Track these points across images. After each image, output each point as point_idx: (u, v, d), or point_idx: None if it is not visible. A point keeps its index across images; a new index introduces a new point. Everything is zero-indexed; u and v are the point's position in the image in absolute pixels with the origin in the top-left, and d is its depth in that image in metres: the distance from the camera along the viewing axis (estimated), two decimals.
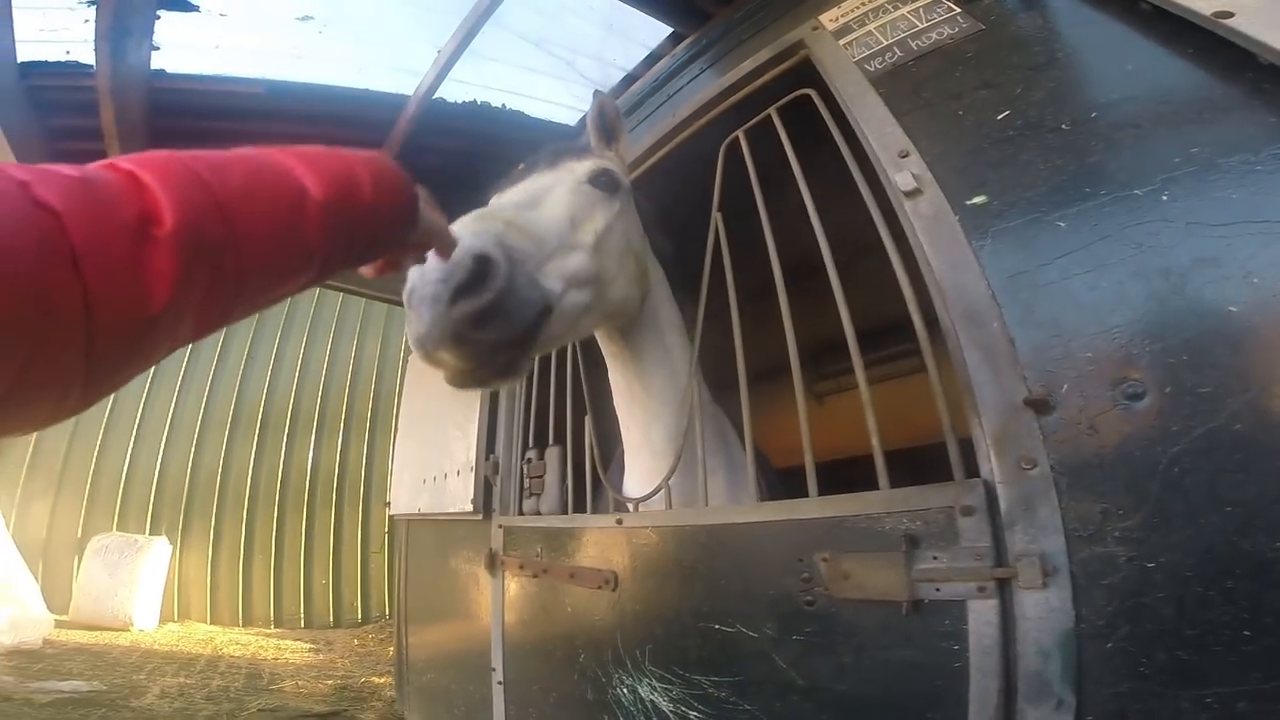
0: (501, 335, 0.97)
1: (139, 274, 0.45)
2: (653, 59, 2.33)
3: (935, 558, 0.93)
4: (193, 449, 7.37)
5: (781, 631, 1.11)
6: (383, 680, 4.59)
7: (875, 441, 1.09)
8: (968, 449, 0.97)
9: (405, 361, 4.07)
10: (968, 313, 0.98)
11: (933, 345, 1.05)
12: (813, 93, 1.45)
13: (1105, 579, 0.79)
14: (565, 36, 2.44)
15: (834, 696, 1.02)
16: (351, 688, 4.48)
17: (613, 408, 1.61)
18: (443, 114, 2.62)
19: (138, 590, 6.33)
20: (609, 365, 1.54)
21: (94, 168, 0.48)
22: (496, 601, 2.02)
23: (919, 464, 1.10)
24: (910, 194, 1.11)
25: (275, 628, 6.97)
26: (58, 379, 0.42)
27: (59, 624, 5.85)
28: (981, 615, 0.87)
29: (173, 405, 7.46)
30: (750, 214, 1.47)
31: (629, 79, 2.43)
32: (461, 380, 1.02)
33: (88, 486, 7.04)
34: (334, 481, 7.71)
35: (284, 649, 5.90)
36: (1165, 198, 0.85)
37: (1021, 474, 0.88)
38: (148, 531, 6.95)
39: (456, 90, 2.58)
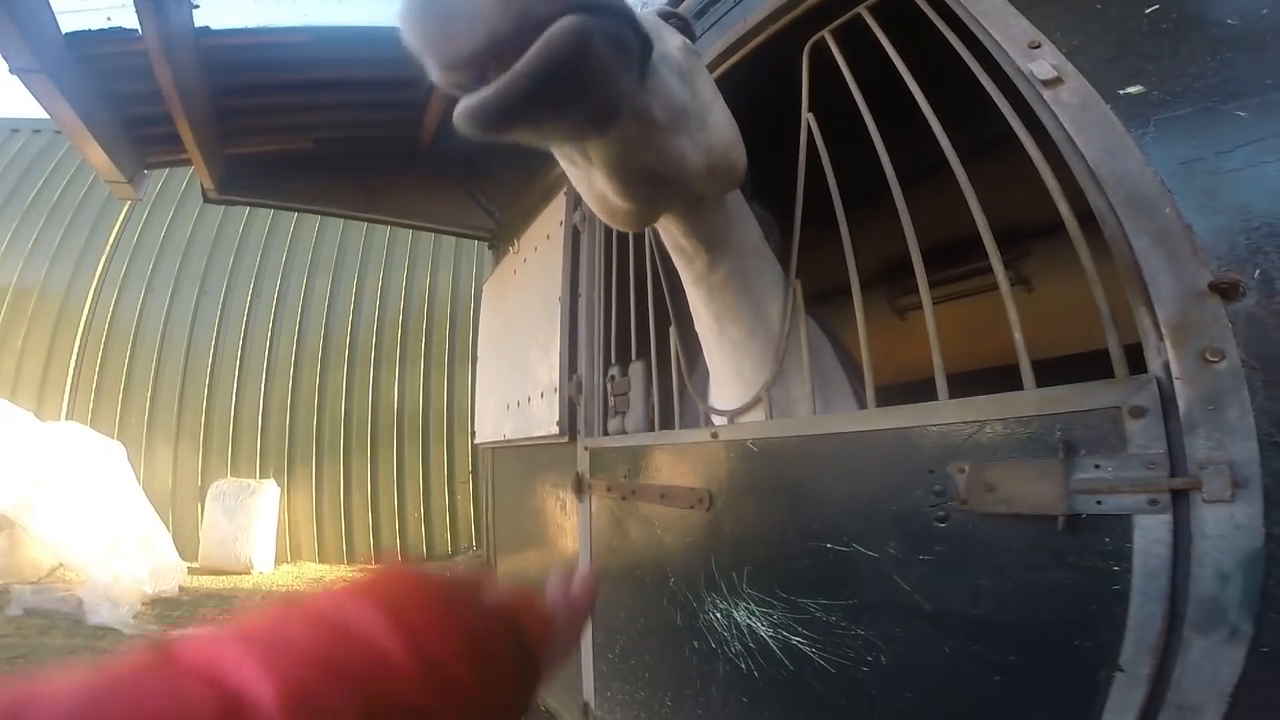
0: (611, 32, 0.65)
1: None
2: None
3: (1098, 466, 0.85)
4: (289, 391, 8.02)
5: (907, 551, 1.06)
6: None
7: (1018, 336, 1.00)
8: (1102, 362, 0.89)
9: (478, 293, 4.18)
10: (1131, 199, 0.89)
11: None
12: None
13: None
14: None
15: (964, 622, 0.98)
16: None
17: None
18: None
19: (255, 533, 7.07)
20: (691, 293, 1.46)
21: None
22: (584, 527, 2.08)
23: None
24: (1050, 83, 1.03)
25: (377, 564, 7.60)
26: None
27: (190, 570, 6.67)
28: (1151, 532, 0.79)
29: (268, 343, 8.10)
30: (828, 130, 1.41)
31: None
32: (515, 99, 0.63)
33: (201, 433, 7.84)
34: (419, 415, 8.17)
35: None
36: None
37: (1206, 367, 0.78)
38: (258, 475, 7.70)
39: None
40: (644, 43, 0.77)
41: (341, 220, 7.74)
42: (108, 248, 8.41)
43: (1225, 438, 0.76)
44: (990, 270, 1.10)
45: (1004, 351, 1.05)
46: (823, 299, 1.86)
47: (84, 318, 8.03)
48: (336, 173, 3.55)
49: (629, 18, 0.70)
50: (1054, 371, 0.96)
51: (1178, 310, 0.82)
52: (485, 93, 0.63)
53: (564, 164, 1.02)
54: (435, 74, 0.67)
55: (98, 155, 2.66)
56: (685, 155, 0.99)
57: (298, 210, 3.82)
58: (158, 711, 0.36)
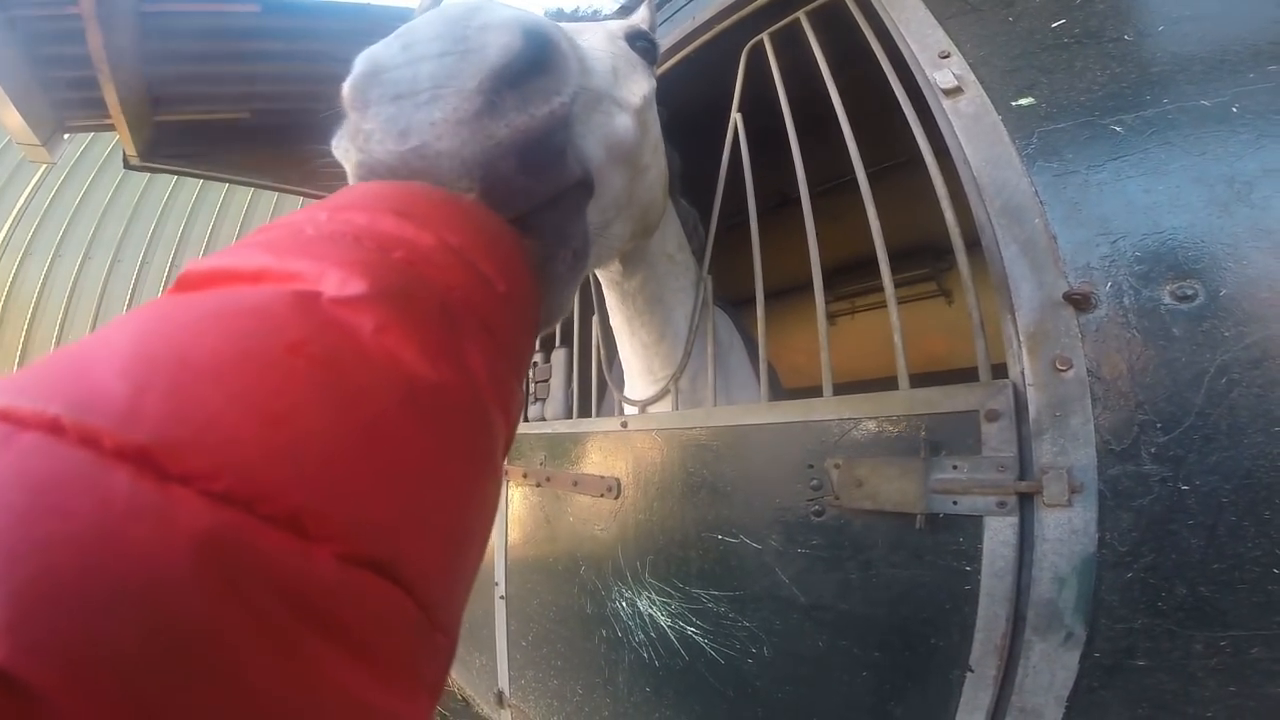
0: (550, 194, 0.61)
1: None
2: None
3: (955, 467, 0.88)
4: None
5: (786, 544, 1.08)
6: None
7: (897, 339, 1.03)
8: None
9: None
10: (1006, 208, 0.93)
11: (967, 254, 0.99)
12: None
13: (1135, 500, 0.75)
14: None
15: (835, 616, 1.00)
16: None
17: None
18: None
19: None
20: (606, 293, 1.46)
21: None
22: (501, 513, 2.07)
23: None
24: (950, 92, 1.05)
25: None
26: None
27: None
28: (998, 533, 0.83)
29: None
30: (763, 133, 1.42)
31: None
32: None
33: None
34: None
35: None
36: (1235, 110, 0.80)
37: (1055, 376, 0.82)
38: None
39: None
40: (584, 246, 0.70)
41: (274, 195, 7.44)
42: (12, 213, 7.94)
43: (1068, 443, 0.79)
44: (917, 281, 1.12)
45: (926, 359, 1.06)
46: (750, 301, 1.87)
47: None
48: (273, 144, 3.39)
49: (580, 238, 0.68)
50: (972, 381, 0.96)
51: (1035, 319, 0.85)
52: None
53: None
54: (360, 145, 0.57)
55: (11, 117, 2.50)
56: (616, 236, 0.99)
57: (228, 181, 3.66)
58: (247, 317, 0.32)
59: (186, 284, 0.37)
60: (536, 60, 0.55)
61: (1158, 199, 0.82)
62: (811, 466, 1.05)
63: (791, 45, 1.43)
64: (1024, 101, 0.98)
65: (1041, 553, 0.79)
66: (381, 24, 2.62)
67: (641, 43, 1.06)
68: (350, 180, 0.57)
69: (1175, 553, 0.71)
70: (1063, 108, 0.94)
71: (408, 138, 0.52)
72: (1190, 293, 0.75)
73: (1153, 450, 0.74)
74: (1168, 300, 0.77)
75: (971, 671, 0.83)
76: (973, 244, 0.97)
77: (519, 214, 0.57)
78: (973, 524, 0.84)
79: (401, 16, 2.57)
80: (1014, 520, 0.81)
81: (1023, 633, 0.80)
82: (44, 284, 7.76)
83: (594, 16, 1.38)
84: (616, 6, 2.17)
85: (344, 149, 0.57)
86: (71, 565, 0.22)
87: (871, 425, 0.98)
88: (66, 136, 3.00)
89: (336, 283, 0.35)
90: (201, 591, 0.24)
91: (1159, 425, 0.74)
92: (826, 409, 1.06)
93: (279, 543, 0.26)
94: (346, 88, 0.55)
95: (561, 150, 0.60)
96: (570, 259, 0.65)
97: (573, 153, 0.64)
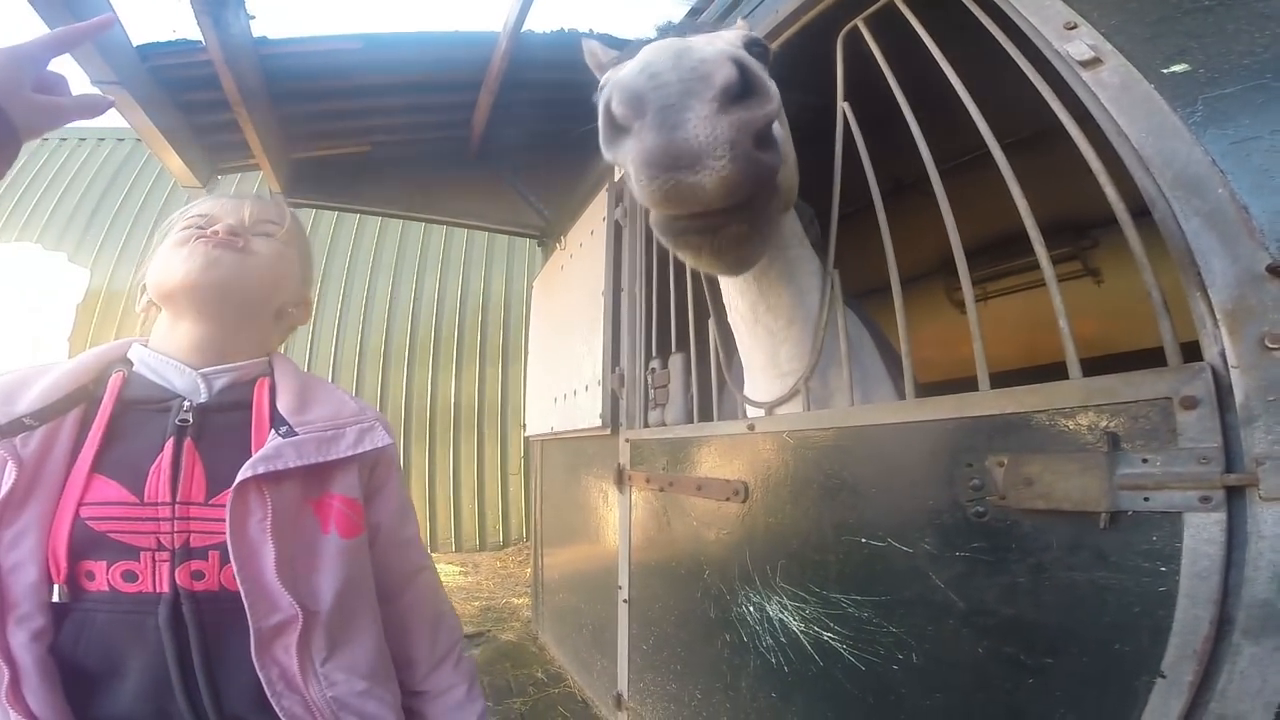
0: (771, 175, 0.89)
1: None
2: None
3: (1145, 461, 0.80)
4: (354, 389, 8.30)
5: (942, 547, 1.03)
6: (521, 601, 5.01)
7: (1063, 322, 0.96)
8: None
9: (529, 290, 4.25)
10: (1180, 179, 0.85)
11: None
12: None
13: None
14: None
15: (999, 622, 0.94)
16: (494, 608, 4.93)
17: None
18: (534, 46, 2.79)
19: None
20: (726, 283, 1.46)
21: None
22: (624, 518, 2.09)
23: None
24: (1088, 63, 0.99)
25: (431, 552, 7.82)
26: None
27: None
28: (1202, 531, 0.75)
29: (333, 344, 8.41)
30: (864, 121, 1.40)
31: None
32: (712, 241, 0.94)
33: None
34: (475, 408, 8.37)
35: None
36: None
37: (1266, 355, 0.73)
38: None
39: (543, 22, 2.66)
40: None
41: (400, 222, 7.91)
42: None
43: None
44: (1059, 260, 1.06)
45: (1076, 344, 1.00)
46: (875, 292, 1.81)
47: None
48: (394, 175, 3.68)
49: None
50: (1124, 367, 0.91)
51: (1234, 294, 0.77)
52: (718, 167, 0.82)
53: None
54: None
55: (174, 161, 2.84)
56: (778, 206, 1.13)
57: (360, 212, 3.96)
58: None
59: None
60: (749, 83, 0.84)
61: None
62: (970, 465, 0.99)
63: (886, 30, 1.39)
64: (1178, 68, 0.92)
65: (1258, 550, 0.71)
66: (469, 48, 2.81)
67: (757, 49, 1.17)
68: (630, 171, 0.87)
69: None
70: (1225, 72, 0.87)
71: (678, 128, 0.80)
72: None
73: None
74: None
75: (1163, 677, 0.75)
76: (1114, 222, 0.91)
77: (762, 185, 0.88)
78: (1169, 521, 0.77)
79: (487, 42, 2.77)
80: (1221, 516, 0.73)
81: (1229, 636, 0.72)
82: None
83: (714, 25, 1.40)
84: (685, 10, 2.21)
85: (625, 149, 0.86)
86: None
87: (1041, 419, 0.92)
88: (220, 177, 3.34)
89: None
90: None
91: None
92: (985, 403, 1.00)
93: None
94: (618, 106, 0.84)
95: (776, 141, 0.89)
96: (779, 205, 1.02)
97: (777, 151, 0.91)
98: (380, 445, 0.91)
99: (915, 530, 1.07)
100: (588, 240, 2.82)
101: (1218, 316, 0.78)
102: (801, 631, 1.27)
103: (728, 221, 0.91)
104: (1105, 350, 0.85)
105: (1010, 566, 0.93)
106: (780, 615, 1.33)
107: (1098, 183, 0.95)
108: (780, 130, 1.03)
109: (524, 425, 3.86)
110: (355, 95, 3.04)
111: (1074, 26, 1.04)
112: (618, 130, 0.88)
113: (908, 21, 1.32)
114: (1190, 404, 0.77)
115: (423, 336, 8.57)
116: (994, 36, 1.15)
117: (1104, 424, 0.85)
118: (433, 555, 7.34)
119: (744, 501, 1.47)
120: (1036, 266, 1.01)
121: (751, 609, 1.41)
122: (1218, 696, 0.71)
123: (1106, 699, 0.80)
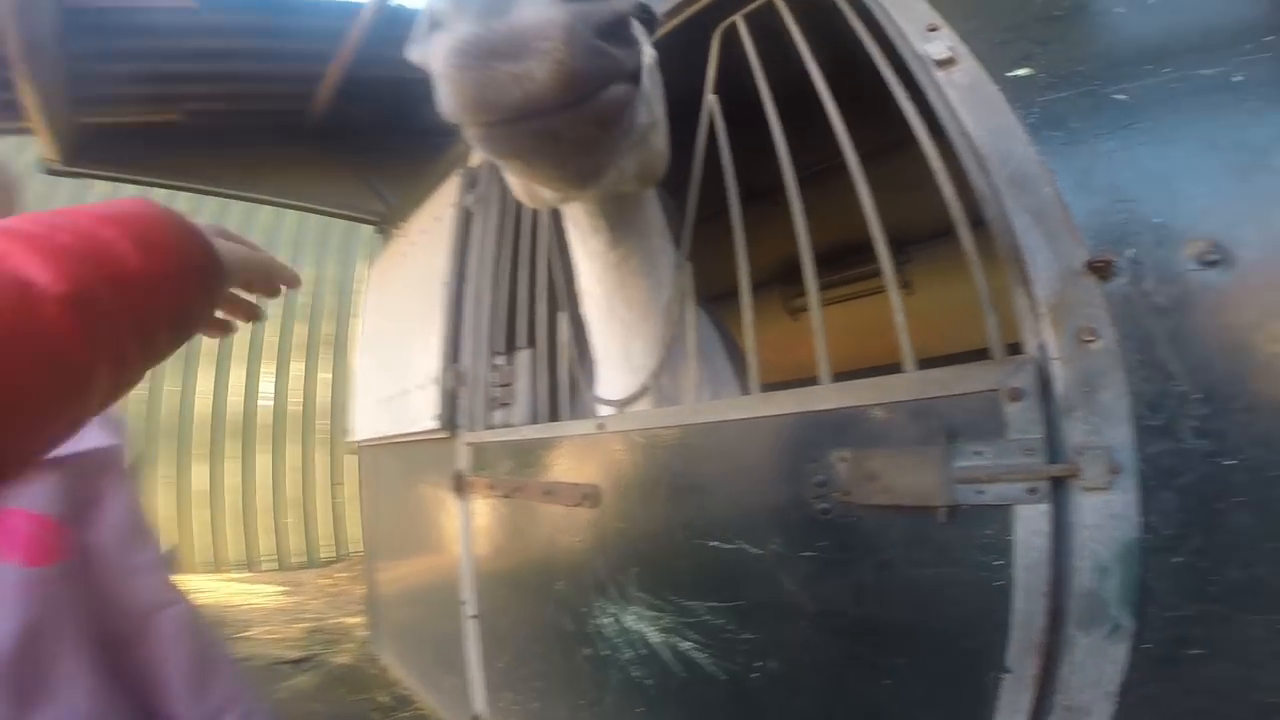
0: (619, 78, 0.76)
1: None
2: None
3: (978, 453, 0.82)
4: (148, 384, 7.27)
5: (790, 546, 1.02)
6: (355, 621, 4.63)
7: (900, 319, 0.98)
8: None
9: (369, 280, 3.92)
10: (1014, 178, 0.90)
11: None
12: None
13: (1177, 479, 0.71)
14: None
15: (849, 622, 0.94)
16: (323, 630, 4.53)
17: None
18: (402, 22, 2.50)
19: None
20: (584, 269, 1.37)
21: None
22: (465, 528, 1.95)
23: None
24: (943, 63, 1.03)
25: (248, 571, 7.06)
26: None
27: None
28: (1031, 523, 0.78)
29: None
30: (731, 124, 1.38)
31: None
32: (554, 148, 0.78)
33: None
34: (300, 412, 7.67)
35: (253, 594, 5.97)
36: (1237, 79, 0.79)
37: (1082, 348, 0.78)
38: None
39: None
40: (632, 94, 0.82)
41: (220, 201, 7.04)
42: None
43: (1101, 421, 0.75)
44: (876, 274, 1.08)
45: (890, 352, 1.02)
46: (719, 299, 1.82)
47: None
48: (207, 148, 3.19)
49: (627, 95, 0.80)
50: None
51: (1055, 289, 0.81)
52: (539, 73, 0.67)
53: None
54: (465, 125, 0.76)
55: None
56: (624, 169, 1.00)
57: (159, 186, 3.40)
58: None
59: None
60: None
61: (1172, 166, 0.80)
62: (815, 460, 0.99)
63: (766, 34, 1.37)
64: (1021, 72, 0.96)
65: (1080, 541, 0.75)
66: (324, 17, 2.53)
67: (643, 12, 1.05)
68: (437, 68, 0.70)
69: (1225, 533, 0.68)
70: (1062, 78, 0.92)
71: (500, 15, 0.66)
72: (1216, 257, 0.72)
73: (1193, 423, 0.70)
74: (1194, 265, 0.73)
75: (1009, 672, 0.78)
76: (927, 238, 0.95)
77: (609, 82, 0.75)
78: (1001, 514, 0.79)
79: (346, 12, 2.53)
80: (1047, 507, 0.76)
81: (1064, 627, 0.75)
82: None
83: None
84: None
85: (433, 44, 0.69)
86: None
87: (880, 413, 0.93)
88: None
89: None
90: None
91: (1198, 396, 0.70)
92: (827, 397, 1.00)
93: None
94: (427, 20, 0.71)
95: (633, 42, 0.79)
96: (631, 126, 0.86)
97: (634, 52, 0.80)
98: (92, 447, 0.73)
99: (764, 530, 1.06)
100: (432, 227, 2.59)
101: (1040, 310, 0.82)
102: (660, 642, 1.23)
103: (571, 125, 0.75)
104: (917, 355, 0.91)
105: (857, 565, 0.93)
106: (638, 625, 1.27)
107: (914, 200, 0.99)
108: (650, 85, 0.93)
109: (349, 429, 3.55)
110: (175, 59, 2.62)
111: (935, 28, 1.07)
112: (432, 28, 0.71)
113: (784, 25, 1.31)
114: (1016, 396, 0.80)
115: (237, 335, 7.72)
116: (864, 42, 1.16)
117: (939, 417, 0.87)
118: (250, 576, 6.70)
119: (595, 506, 1.40)
120: (856, 280, 1.04)
121: (609, 620, 1.35)
122: (1061, 688, 0.75)
123: (961, 697, 0.82)
